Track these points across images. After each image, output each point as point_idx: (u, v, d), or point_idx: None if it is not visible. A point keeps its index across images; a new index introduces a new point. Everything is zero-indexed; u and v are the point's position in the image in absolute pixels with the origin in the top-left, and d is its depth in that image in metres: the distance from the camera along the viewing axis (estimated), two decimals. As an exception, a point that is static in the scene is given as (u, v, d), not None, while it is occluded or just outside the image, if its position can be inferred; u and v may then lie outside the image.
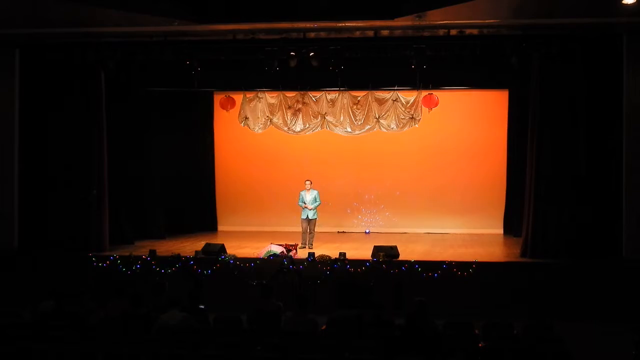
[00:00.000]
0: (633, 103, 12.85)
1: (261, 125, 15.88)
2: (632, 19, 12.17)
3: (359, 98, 15.46)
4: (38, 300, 9.51)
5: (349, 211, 17.71)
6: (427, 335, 7.95)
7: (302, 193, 14.95)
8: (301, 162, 17.53)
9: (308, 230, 14.78)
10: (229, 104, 15.68)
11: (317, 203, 14.89)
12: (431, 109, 14.77)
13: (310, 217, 14.77)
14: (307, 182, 14.96)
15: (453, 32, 13.13)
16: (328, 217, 17.28)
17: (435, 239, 16.23)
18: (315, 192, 14.92)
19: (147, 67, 14.76)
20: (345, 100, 15.48)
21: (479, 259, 12.86)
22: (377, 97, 15.35)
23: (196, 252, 13.49)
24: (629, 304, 12.11)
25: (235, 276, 12.90)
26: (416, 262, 12.70)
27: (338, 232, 17.43)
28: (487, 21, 12.79)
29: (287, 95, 15.72)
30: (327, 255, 13.01)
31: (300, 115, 15.66)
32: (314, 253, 13.12)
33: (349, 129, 15.61)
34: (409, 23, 12.66)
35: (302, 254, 13.51)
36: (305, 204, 14.80)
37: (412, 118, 15.12)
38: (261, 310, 9.56)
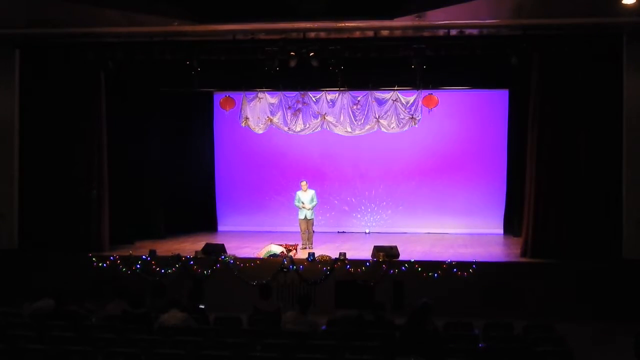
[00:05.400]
0: (633, 103, 12.84)
1: (262, 126, 15.89)
2: (632, 19, 12.17)
3: (359, 98, 15.47)
4: (37, 300, 9.49)
5: (346, 208, 17.67)
6: (427, 335, 7.95)
7: (299, 193, 14.90)
8: (301, 162, 17.52)
9: (307, 231, 14.77)
10: (228, 104, 15.68)
11: (315, 203, 14.86)
12: (431, 109, 14.77)
13: (308, 217, 14.73)
14: (304, 183, 14.95)
15: (453, 32, 13.12)
16: (328, 217, 17.30)
17: (435, 239, 16.21)
18: (312, 192, 14.90)
19: (147, 67, 14.75)
20: (345, 100, 15.49)
21: (479, 259, 12.86)
22: (377, 97, 15.37)
23: (196, 252, 13.48)
24: (629, 304, 12.12)
25: (235, 276, 12.91)
26: (416, 262, 12.69)
27: (338, 232, 17.41)
28: (487, 21, 12.78)
29: (287, 95, 15.72)
30: (327, 256, 13.00)
31: (301, 115, 15.67)
32: (314, 253, 13.12)
33: (349, 129, 15.62)
34: (408, 23, 12.66)
35: (302, 254, 13.52)
36: (303, 203, 14.78)
37: (412, 118, 15.13)
38: (261, 311, 9.57)
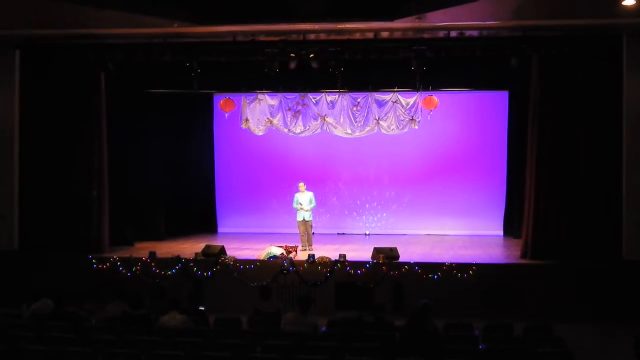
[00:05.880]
0: (633, 103, 12.85)
1: (262, 127, 15.88)
2: (632, 20, 12.17)
3: (358, 99, 15.47)
4: (35, 301, 9.49)
5: (346, 210, 17.67)
6: (427, 336, 7.95)
7: (297, 195, 14.90)
8: (301, 164, 17.52)
9: (306, 232, 14.75)
10: (228, 105, 15.67)
11: (313, 205, 14.85)
12: (431, 110, 14.77)
13: (306, 219, 14.71)
14: (301, 184, 14.95)
15: (453, 33, 13.13)
16: (328, 219, 17.29)
17: (435, 240, 16.20)
18: (310, 194, 14.89)
19: (147, 69, 14.76)
20: (345, 102, 15.49)
21: (479, 261, 12.85)
22: (377, 98, 15.36)
23: (196, 253, 13.47)
24: (629, 304, 12.12)
25: (235, 278, 12.90)
26: (416, 263, 12.69)
27: (338, 233, 17.41)
28: (487, 23, 12.78)
29: (287, 96, 15.73)
30: (327, 257, 12.99)
31: (300, 117, 15.66)
32: (314, 255, 13.11)
33: (349, 131, 15.61)
34: (408, 25, 12.66)
35: (302, 255, 13.52)
36: (301, 205, 14.76)
37: (411, 119, 15.12)
38: (261, 312, 9.56)
